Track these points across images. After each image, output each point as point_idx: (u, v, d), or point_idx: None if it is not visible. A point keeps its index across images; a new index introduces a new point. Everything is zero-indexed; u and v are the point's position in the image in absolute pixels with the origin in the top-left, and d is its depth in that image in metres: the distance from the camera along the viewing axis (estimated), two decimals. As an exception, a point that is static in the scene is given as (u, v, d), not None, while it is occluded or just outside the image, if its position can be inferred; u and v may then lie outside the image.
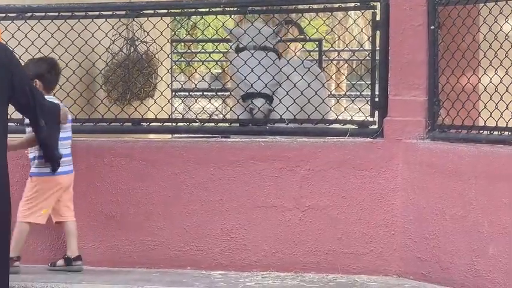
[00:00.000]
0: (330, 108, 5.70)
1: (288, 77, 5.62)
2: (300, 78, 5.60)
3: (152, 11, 5.82)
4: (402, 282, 4.91)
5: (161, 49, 5.91)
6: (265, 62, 5.63)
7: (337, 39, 5.66)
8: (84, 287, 4.95)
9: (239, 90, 5.76)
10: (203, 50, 12.28)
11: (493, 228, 4.51)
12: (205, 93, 10.73)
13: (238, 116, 5.60)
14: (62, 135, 4.96)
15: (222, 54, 12.79)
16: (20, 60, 5.56)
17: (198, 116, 5.93)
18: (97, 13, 5.65)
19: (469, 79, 4.85)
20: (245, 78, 5.58)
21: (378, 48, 5.28)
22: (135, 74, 7.41)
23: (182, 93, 10.64)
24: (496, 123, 4.63)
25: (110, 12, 5.75)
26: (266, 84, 5.62)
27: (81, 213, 5.38)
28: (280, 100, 5.57)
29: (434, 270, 4.82)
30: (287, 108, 5.51)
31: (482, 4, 4.70)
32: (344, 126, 5.39)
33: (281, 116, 5.52)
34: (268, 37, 5.84)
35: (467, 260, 4.63)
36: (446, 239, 4.76)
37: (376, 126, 5.19)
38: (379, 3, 5.18)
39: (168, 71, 6.24)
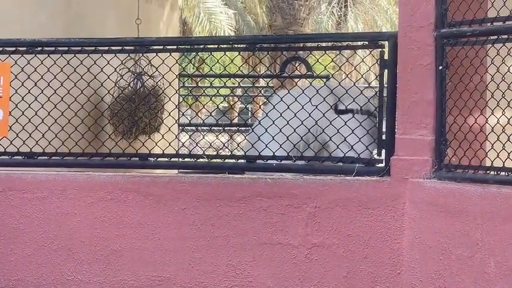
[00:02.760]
0: (337, 146, 5.68)
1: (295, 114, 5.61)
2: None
3: (161, 47, 5.83)
4: (407, 321, 4.91)
5: (170, 84, 5.94)
6: (368, 126, 5.57)
7: (345, 77, 5.69)
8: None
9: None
10: (211, 85, 12.37)
11: (499, 269, 4.47)
12: (212, 128, 10.80)
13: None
14: None
15: (229, 90, 12.89)
16: (30, 94, 5.67)
17: (205, 151, 5.92)
18: (106, 48, 5.68)
19: (476, 119, 4.85)
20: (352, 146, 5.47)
21: (385, 86, 5.28)
22: (142, 108, 7.45)
23: (189, 128, 10.71)
24: (503, 164, 4.60)
25: (119, 48, 5.77)
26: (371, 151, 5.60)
27: (87, 247, 5.41)
28: (287, 137, 5.58)
29: (440, 310, 4.81)
30: (294, 146, 5.54)
31: (490, 45, 4.73)
32: (351, 164, 5.37)
33: (288, 153, 5.53)
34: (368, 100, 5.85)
35: (474, 301, 4.61)
36: (452, 279, 4.73)
37: (383, 165, 5.20)
38: (387, 42, 5.22)
39: (176, 106, 6.28)
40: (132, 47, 5.98)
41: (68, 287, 5.41)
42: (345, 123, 5.57)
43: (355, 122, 5.59)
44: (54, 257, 5.44)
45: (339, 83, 5.92)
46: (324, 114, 5.58)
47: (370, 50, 5.51)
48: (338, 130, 5.57)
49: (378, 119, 5.63)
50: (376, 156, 5.35)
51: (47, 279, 5.45)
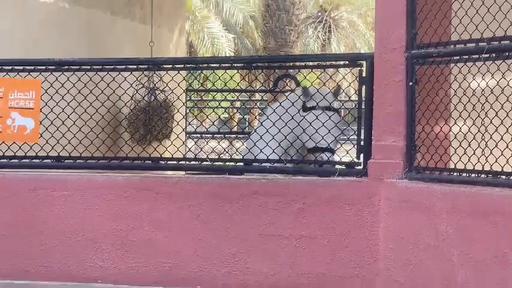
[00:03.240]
0: (322, 151, 5.67)
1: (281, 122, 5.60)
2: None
3: (171, 66, 5.80)
4: (382, 302, 4.89)
5: (178, 98, 5.93)
6: (333, 121, 5.59)
7: (328, 91, 5.71)
8: (108, 302, 4.92)
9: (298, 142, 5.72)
10: (213, 99, 12.33)
11: (461, 258, 4.47)
12: (215, 135, 10.78)
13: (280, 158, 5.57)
14: None
15: (229, 103, 12.88)
16: (58, 107, 5.65)
17: (208, 156, 5.90)
18: (123, 67, 5.66)
19: (441, 128, 4.84)
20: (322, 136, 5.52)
21: (363, 99, 5.27)
22: (154, 118, 7.45)
23: (195, 136, 10.68)
24: (465, 166, 4.61)
25: (135, 66, 5.76)
26: (334, 140, 5.65)
27: (107, 238, 5.39)
28: (279, 143, 5.58)
29: (410, 292, 4.79)
30: (285, 150, 5.56)
31: (453, 64, 4.72)
32: (334, 167, 5.40)
33: (280, 157, 5.53)
34: (334, 99, 5.85)
35: (439, 285, 4.60)
36: (420, 266, 4.73)
37: (361, 167, 5.17)
38: (365, 62, 5.19)
39: (183, 116, 6.28)
40: (145, 66, 5.96)
41: (89, 272, 5.38)
42: (316, 117, 5.54)
43: (324, 117, 5.55)
44: (77, 247, 5.42)
45: (307, 85, 5.86)
46: (299, 111, 5.59)
47: (350, 68, 5.50)
48: (310, 123, 5.51)
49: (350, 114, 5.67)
50: (355, 159, 5.34)
51: (71, 266, 5.42)
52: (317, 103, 5.70)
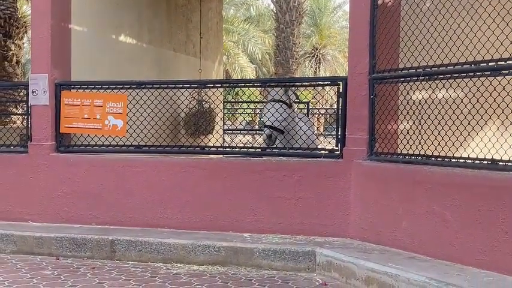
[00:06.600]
0: (313, 142, 5.69)
1: (292, 124, 5.61)
2: (302, 124, 5.66)
3: (213, 85, 5.81)
4: (352, 241, 4.88)
5: (217, 106, 5.93)
6: (278, 108, 5.62)
7: (316, 102, 5.72)
8: (171, 241, 4.91)
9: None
10: (241, 107, 12.35)
11: (404, 211, 4.46)
12: (242, 131, 10.83)
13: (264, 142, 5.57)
14: None
15: (252, 110, 12.88)
16: (138, 112, 5.67)
17: (237, 145, 5.92)
18: (181, 85, 5.67)
19: (392, 126, 4.84)
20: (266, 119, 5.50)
21: (340, 107, 5.25)
22: (202, 120, 7.49)
23: (229, 131, 10.74)
24: (407, 152, 4.62)
25: (189, 85, 5.76)
26: (272, 122, 5.68)
27: (170, 199, 5.40)
28: (284, 136, 5.59)
29: (371, 235, 4.79)
30: (287, 141, 5.57)
31: (400, 83, 4.71)
32: (320, 152, 5.37)
33: (284, 145, 5.53)
34: (282, 94, 5.85)
35: (390, 230, 4.61)
36: (378, 218, 4.73)
37: (339, 152, 5.16)
38: (341, 82, 5.18)
39: (221, 118, 6.29)
40: (196, 85, 5.95)
41: (158, 221, 5.40)
42: (272, 106, 5.57)
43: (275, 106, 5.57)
44: (151, 204, 5.44)
45: (303, 98, 5.86)
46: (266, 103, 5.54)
47: (332, 86, 5.48)
48: (268, 110, 5.61)
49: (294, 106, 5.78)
50: (334, 147, 5.33)
51: (147, 216, 5.43)
52: (272, 96, 5.75)
